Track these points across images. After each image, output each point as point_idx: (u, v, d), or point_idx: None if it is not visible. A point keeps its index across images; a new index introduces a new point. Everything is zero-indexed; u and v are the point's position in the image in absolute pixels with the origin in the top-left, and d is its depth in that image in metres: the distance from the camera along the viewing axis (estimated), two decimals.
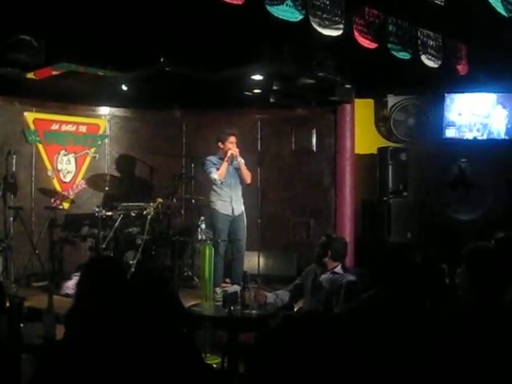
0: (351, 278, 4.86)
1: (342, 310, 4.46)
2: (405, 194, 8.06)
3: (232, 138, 7.25)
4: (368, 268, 5.90)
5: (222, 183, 7.22)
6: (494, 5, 4.89)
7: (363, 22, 5.18)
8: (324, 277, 4.95)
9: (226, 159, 7.16)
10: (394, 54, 5.49)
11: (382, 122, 8.73)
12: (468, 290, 3.12)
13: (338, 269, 4.98)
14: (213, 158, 7.29)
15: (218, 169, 7.18)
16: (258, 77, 6.91)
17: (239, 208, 7.35)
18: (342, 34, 4.93)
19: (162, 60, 5.75)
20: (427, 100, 8.44)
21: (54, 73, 6.44)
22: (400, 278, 2.88)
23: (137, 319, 2.51)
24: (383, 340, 2.49)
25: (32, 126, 8.05)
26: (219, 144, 7.29)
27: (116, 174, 8.63)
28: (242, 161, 7.28)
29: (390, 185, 7.98)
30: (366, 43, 5.25)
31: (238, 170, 7.32)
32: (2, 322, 3.13)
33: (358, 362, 1.49)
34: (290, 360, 1.42)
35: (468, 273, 3.16)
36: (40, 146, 8.15)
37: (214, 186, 7.26)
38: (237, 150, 7.20)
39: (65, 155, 8.41)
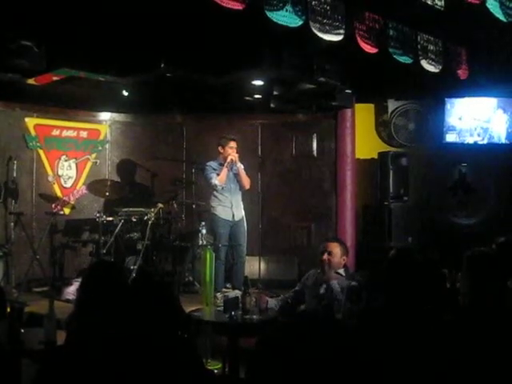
0: (353, 283, 4.86)
1: (344, 314, 4.46)
2: (405, 198, 8.06)
3: (232, 143, 7.27)
4: (370, 272, 5.90)
5: (222, 188, 7.24)
6: (492, 10, 4.89)
7: (364, 27, 5.19)
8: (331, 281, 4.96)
9: (225, 165, 7.17)
10: (396, 58, 5.50)
11: (382, 126, 8.75)
12: (468, 295, 3.12)
13: (342, 271, 4.99)
14: (213, 164, 7.31)
15: (218, 174, 7.19)
16: (258, 82, 6.91)
17: (240, 213, 7.37)
18: (342, 39, 4.94)
19: (162, 65, 5.76)
20: (428, 105, 8.46)
21: (55, 78, 6.44)
22: (404, 282, 2.88)
23: (138, 324, 2.51)
24: (385, 345, 2.48)
25: (33, 132, 8.06)
26: (219, 149, 7.31)
27: (117, 179, 8.62)
28: (242, 166, 7.30)
29: (391, 189, 7.98)
30: (367, 48, 5.25)
31: (237, 175, 7.33)
32: (2, 328, 3.13)
33: (359, 366, 1.49)
34: (290, 363, 1.42)
35: (468, 278, 3.16)
36: (41, 152, 8.16)
37: (215, 192, 7.28)
38: (236, 155, 7.22)
39: (65, 161, 8.42)
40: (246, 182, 7.38)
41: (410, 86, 7.52)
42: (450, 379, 2.46)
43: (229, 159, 7.17)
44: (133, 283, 3.95)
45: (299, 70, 6.28)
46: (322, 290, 4.97)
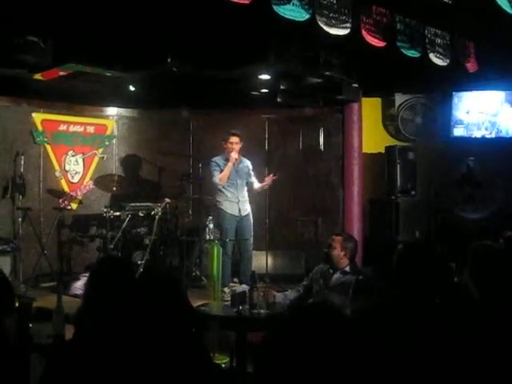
0: (360, 277, 4.87)
1: (353, 308, 4.46)
2: (413, 192, 8.05)
3: (233, 139, 7.21)
4: (378, 266, 5.90)
5: (228, 185, 7.22)
6: (500, 3, 4.87)
7: (371, 21, 5.18)
8: (335, 277, 4.97)
9: (228, 164, 7.14)
10: (404, 52, 5.48)
11: (389, 120, 8.72)
12: (473, 289, 3.11)
13: (348, 268, 4.99)
14: (218, 160, 7.27)
15: (222, 170, 7.16)
16: (265, 76, 6.91)
17: (246, 208, 7.35)
18: (349, 33, 4.93)
19: (169, 60, 5.76)
20: (435, 98, 8.43)
21: (62, 73, 6.46)
22: (411, 277, 2.88)
23: (145, 319, 2.51)
24: (393, 339, 2.48)
25: (40, 127, 8.07)
26: (223, 143, 7.29)
27: (124, 174, 8.64)
28: (263, 186, 7.39)
29: (398, 183, 7.96)
30: (375, 42, 5.24)
31: (245, 173, 7.33)
32: (11, 323, 3.14)
33: (367, 361, 1.48)
34: (297, 357, 1.42)
35: (471, 271, 3.15)
36: (48, 147, 8.18)
37: (220, 187, 7.26)
38: (236, 155, 7.15)
39: (73, 156, 8.43)
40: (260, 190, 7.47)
41: (417, 80, 7.49)
42: (457, 376, 2.45)
43: (232, 159, 7.12)
44: (140, 278, 3.96)
45: (306, 64, 6.28)
46: (326, 286, 5.01)
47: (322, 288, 5.04)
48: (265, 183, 7.35)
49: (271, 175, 7.32)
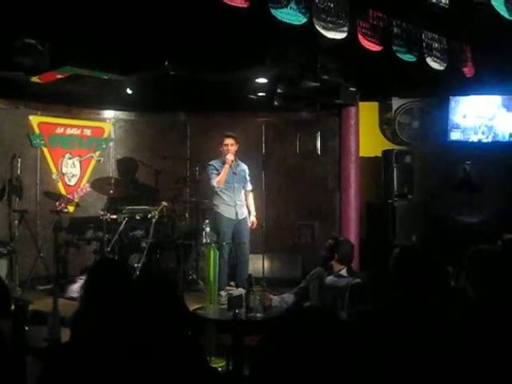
0: (356, 280, 4.87)
1: (349, 312, 4.46)
2: (410, 196, 8.06)
3: (228, 140, 7.24)
4: (375, 270, 5.90)
5: (225, 189, 7.23)
6: (497, 8, 4.89)
7: (367, 25, 5.18)
8: (329, 279, 4.97)
9: (224, 167, 7.15)
10: (400, 56, 5.49)
11: (386, 124, 8.74)
12: (470, 292, 3.11)
13: (344, 272, 4.99)
14: (215, 163, 7.28)
15: (219, 174, 7.17)
16: (262, 80, 6.91)
17: (243, 212, 7.36)
18: (346, 37, 4.94)
19: (166, 63, 5.76)
20: (432, 102, 8.45)
21: (59, 76, 6.45)
22: (408, 281, 2.88)
23: (142, 322, 2.51)
24: (389, 343, 2.48)
25: (37, 130, 8.07)
26: (219, 146, 7.31)
27: (120, 177, 8.62)
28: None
29: (395, 187, 7.98)
30: (371, 46, 5.25)
31: (243, 176, 7.35)
32: (6, 325, 3.13)
33: (363, 365, 1.48)
34: (294, 361, 1.42)
35: (468, 277, 3.15)
36: (45, 150, 8.17)
37: (217, 190, 7.26)
38: (232, 157, 7.17)
39: (69, 158, 8.43)
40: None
41: (415, 84, 7.51)
42: (454, 379, 2.45)
43: (228, 161, 7.13)
44: (136, 281, 3.95)
45: (303, 68, 6.28)
46: (323, 290, 5.01)
47: (317, 291, 5.04)
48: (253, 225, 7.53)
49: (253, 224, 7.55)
